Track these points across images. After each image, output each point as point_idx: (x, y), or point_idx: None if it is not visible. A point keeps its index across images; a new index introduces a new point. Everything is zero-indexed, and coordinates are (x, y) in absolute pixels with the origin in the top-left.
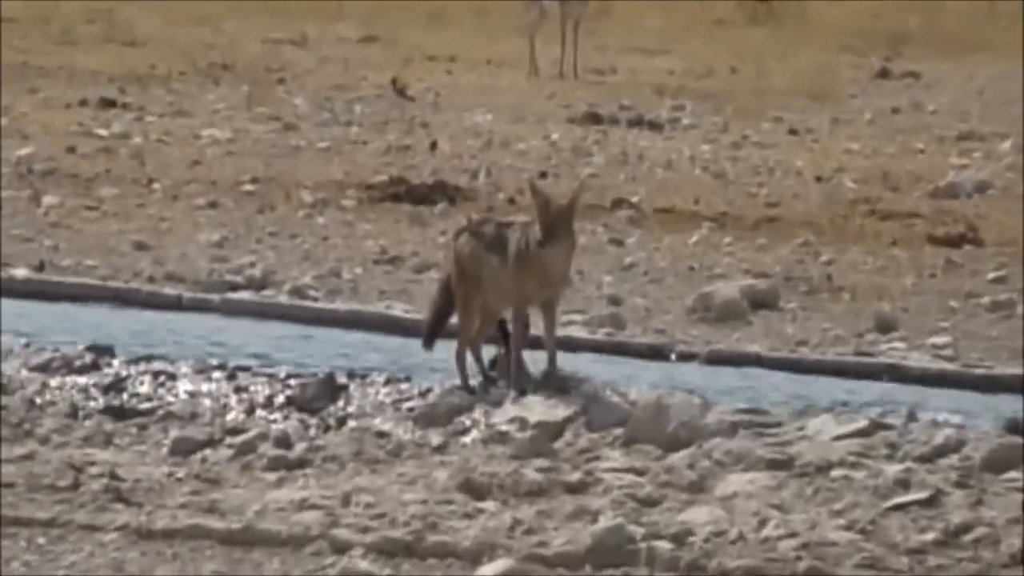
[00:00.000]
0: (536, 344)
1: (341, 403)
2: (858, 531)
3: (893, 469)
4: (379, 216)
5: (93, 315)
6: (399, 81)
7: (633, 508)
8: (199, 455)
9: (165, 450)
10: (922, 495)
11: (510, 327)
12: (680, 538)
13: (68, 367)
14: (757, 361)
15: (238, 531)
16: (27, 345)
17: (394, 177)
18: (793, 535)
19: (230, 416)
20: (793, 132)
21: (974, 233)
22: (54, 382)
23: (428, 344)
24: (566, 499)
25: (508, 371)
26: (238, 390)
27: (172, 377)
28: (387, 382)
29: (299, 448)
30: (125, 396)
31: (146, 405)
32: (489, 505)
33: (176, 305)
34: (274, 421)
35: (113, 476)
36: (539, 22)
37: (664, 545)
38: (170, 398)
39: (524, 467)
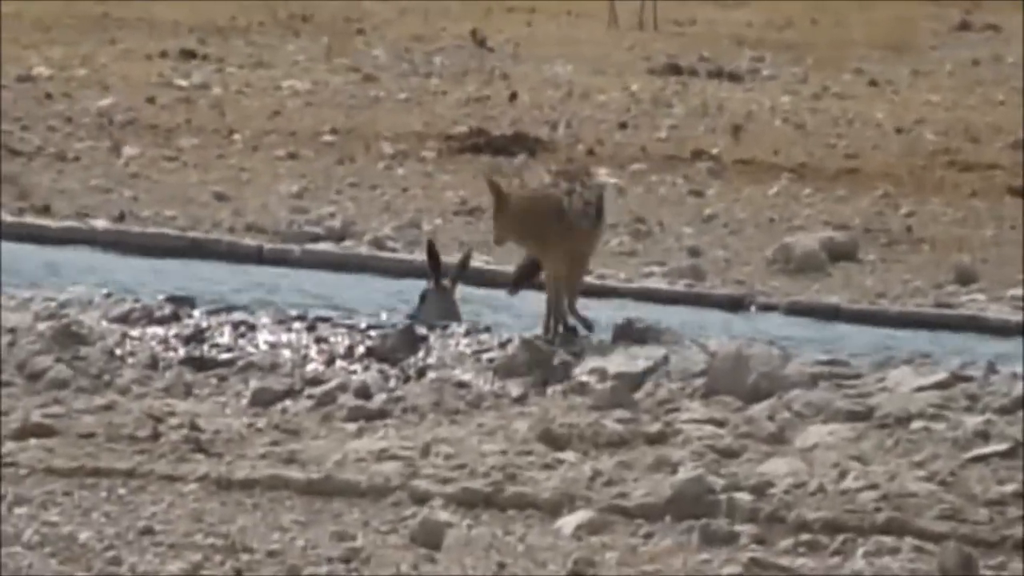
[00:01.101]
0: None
1: (421, 354)
2: (938, 482)
3: (973, 421)
4: (458, 167)
5: (173, 266)
6: (479, 32)
7: (713, 459)
8: (279, 406)
9: (245, 401)
10: (1002, 447)
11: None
12: (760, 489)
13: (148, 318)
14: (836, 313)
15: (318, 481)
16: (107, 296)
17: (473, 128)
18: (873, 487)
19: (310, 367)
20: (873, 83)
21: None
22: (134, 333)
23: (513, 291)
24: (646, 450)
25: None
26: (318, 341)
27: (252, 328)
28: (467, 333)
29: (379, 399)
30: (205, 347)
31: (226, 356)
32: (569, 456)
33: (256, 256)
34: (354, 372)
35: (193, 427)
36: None
37: (744, 496)
38: (250, 349)
39: (604, 418)
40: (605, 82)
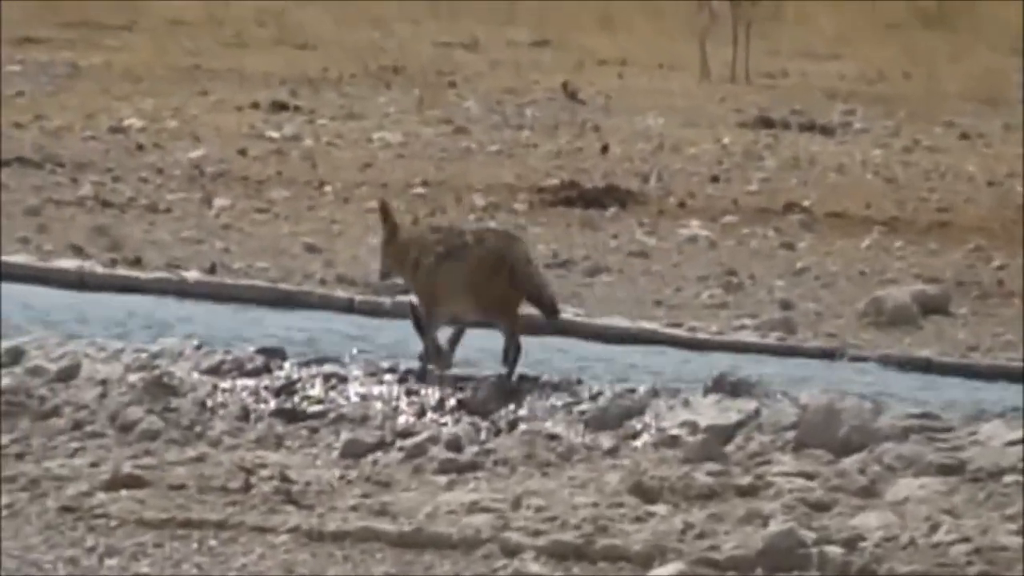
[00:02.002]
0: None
1: (512, 406)
2: None
3: None
4: (550, 220)
5: (264, 317)
6: (570, 85)
7: (804, 512)
8: (370, 457)
9: (336, 453)
10: None
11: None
12: (851, 543)
13: (239, 369)
14: (928, 366)
15: (409, 534)
16: (198, 347)
17: (565, 181)
18: (965, 540)
19: (401, 419)
20: (964, 136)
21: None
22: (225, 384)
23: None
24: (737, 503)
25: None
26: (409, 393)
27: (343, 380)
28: (558, 385)
29: (470, 451)
30: (296, 399)
31: (317, 408)
32: (660, 508)
33: (347, 308)
34: (445, 424)
35: (284, 478)
36: (710, 25)
37: (835, 550)
38: (341, 401)
39: (695, 470)
40: (696, 135)
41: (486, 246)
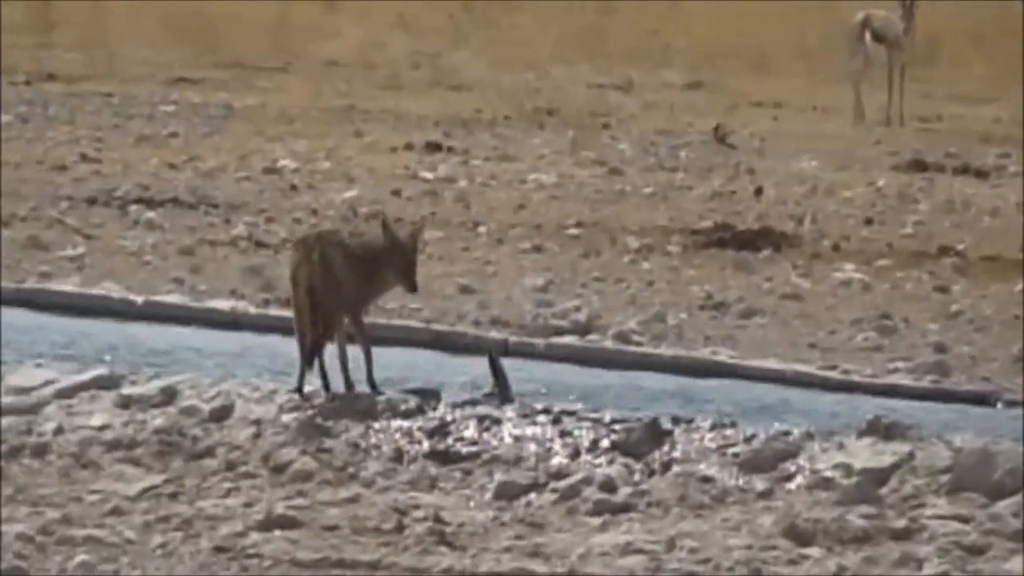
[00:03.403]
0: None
1: (666, 448)
2: None
3: None
4: (704, 262)
5: (418, 358)
6: (721, 128)
7: (958, 556)
8: (523, 499)
9: (489, 494)
10: None
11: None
12: None
13: (393, 411)
14: None
15: (562, 575)
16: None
17: (719, 223)
18: None
19: (554, 460)
20: None
21: None
22: (379, 426)
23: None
24: (891, 546)
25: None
26: (563, 434)
27: (497, 421)
28: (712, 427)
29: (623, 492)
30: (450, 440)
31: (470, 449)
32: (814, 552)
33: (501, 350)
34: (599, 465)
35: (437, 520)
36: (865, 68)
37: None
38: (495, 442)
39: (849, 513)
40: (850, 177)
41: None
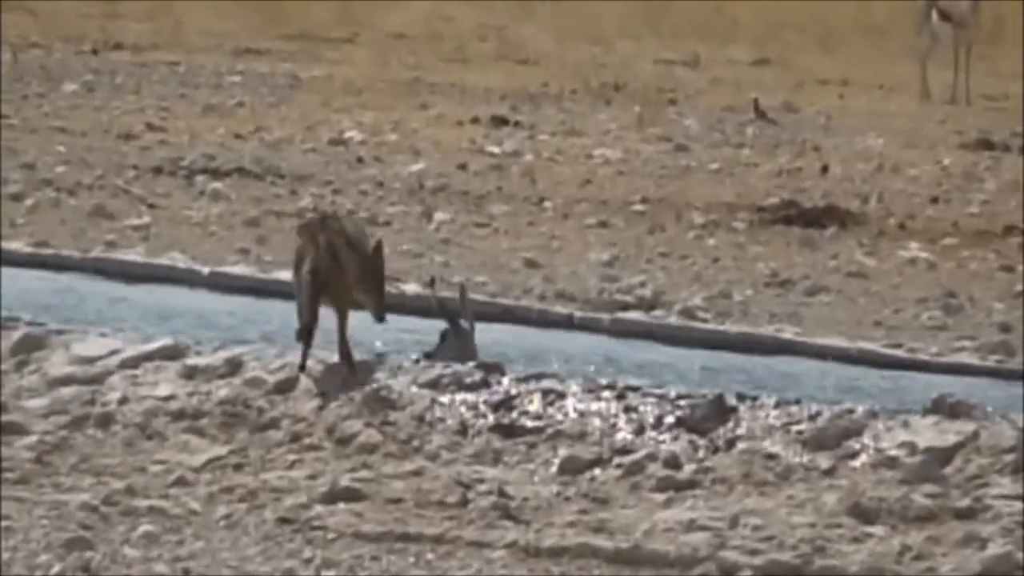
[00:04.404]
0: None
1: (730, 424)
2: None
3: None
4: (770, 239)
5: (483, 332)
6: (759, 103)
7: (1022, 535)
8: (587, 474)
9: (554, 469)
10: None
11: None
12: None
13: (458, 384)
14: None
15: (626, 551)
16: (417, 361)
17: (785, 200)
18: None
19: (619, 436)
20: None
21: None
22: (443, 399)
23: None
24: (955, 525)
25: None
26: (627, 410)
27: (561, 396)
28: (776, 404)
29: (688, 469)
30: (514, 414)
31: (535, 423)
32: (877, 530)
33: (567, 324)
34: (663, 442)
35: (502, 494)
36: (931, 46)
37: None
38: (559, 417)
39: (913, 492)
40: (916, 156)
41: None
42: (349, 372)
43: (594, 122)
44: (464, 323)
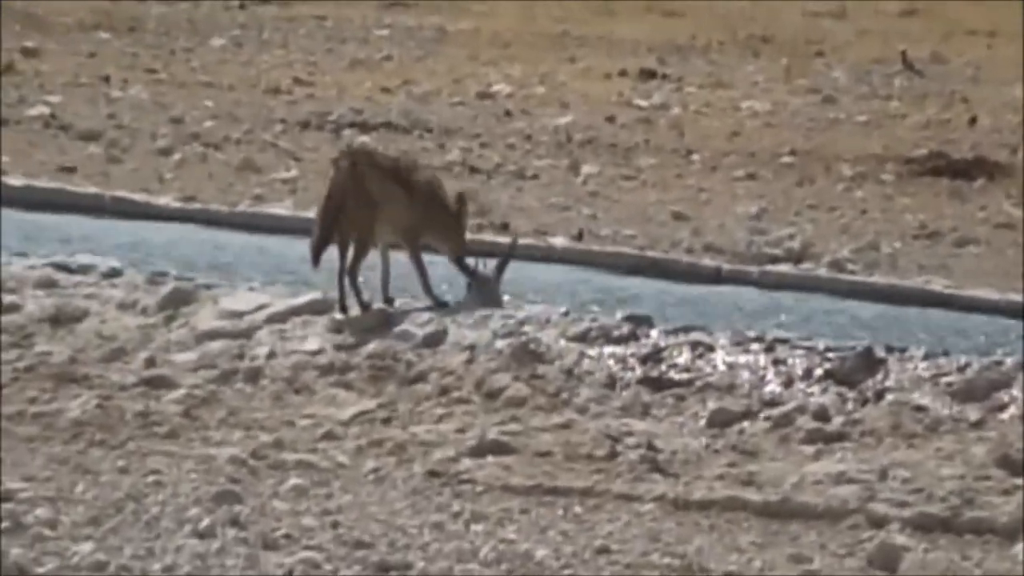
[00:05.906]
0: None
1: (879, 376)
2: None
3: None
4: (918, 190)
5: (631, 285)
6: (908, 54)
7: None
8: (736, 427)
9: (703, 422)
10: None
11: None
12: None
13: (606, 337)
14: None
15: (775, 503)
16: (565, 314)
17: (933, 151)
18: None
19: (768, 388)
20: None
21: None
22: (592, 352)
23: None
24: None
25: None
26: (776, 362)
27: (710, 348)
28: (925, 357)
29: (837, 421)
30: (663, 367)
31: (683, 376)
32: None
33: (715, 277)
34: (812, 394)
35: (650, 447)
36: None
37: None
38: (708, 369)
39: None
40: None
41: None
42: (339, 308)
43: (742, 74)
44: (488, 272)
